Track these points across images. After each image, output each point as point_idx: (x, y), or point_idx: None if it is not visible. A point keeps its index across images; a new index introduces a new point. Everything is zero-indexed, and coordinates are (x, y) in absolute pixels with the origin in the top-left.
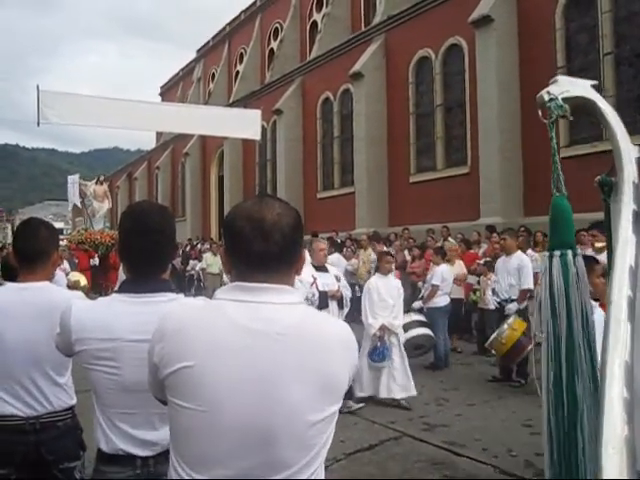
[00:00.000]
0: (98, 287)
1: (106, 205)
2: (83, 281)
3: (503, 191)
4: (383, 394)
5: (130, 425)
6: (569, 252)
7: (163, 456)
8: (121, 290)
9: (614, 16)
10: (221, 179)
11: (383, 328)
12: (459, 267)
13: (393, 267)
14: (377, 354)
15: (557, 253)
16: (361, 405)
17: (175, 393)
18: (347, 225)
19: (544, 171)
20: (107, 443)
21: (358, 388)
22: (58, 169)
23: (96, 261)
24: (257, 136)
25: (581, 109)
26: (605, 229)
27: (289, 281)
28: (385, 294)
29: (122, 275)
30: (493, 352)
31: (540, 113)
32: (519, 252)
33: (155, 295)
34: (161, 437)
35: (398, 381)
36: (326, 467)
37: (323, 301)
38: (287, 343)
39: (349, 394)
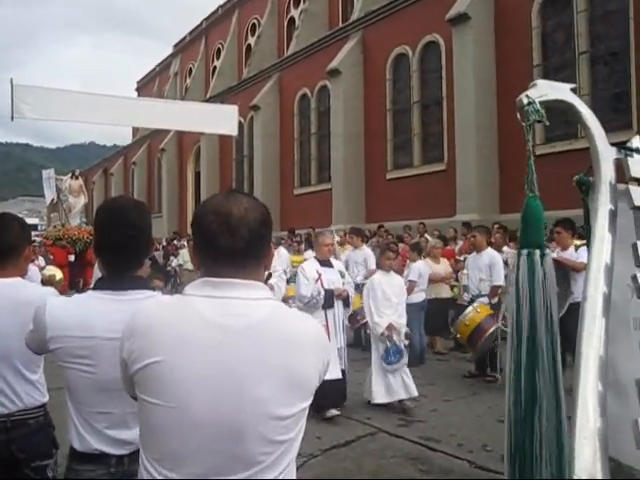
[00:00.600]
0: (75, 284)
1: (82, 200)
2: (59, 275)
3: (479, 188)
4: (414, 392)
5: (105, 424)
6: (537, 252)
7: (137, 454)
8: (97, 287)
9: (590, 15)
10: (198, 175)
11: (390, 327)
12: (445, 265)
13: (394, 264)
14: (392, 355)
15: (525, 252)
16: (337, 413)
17: (144, 389)
18: (324, 222)
19: (521, 168)
20: (81, 442)
21: (384, 394)
22: (33, 164)
23: (72, 257)
24: (234, 132)
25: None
26: (585, 227)
27: (258, 277)
28: (390, 292)
29: (97, 271)
30: (458, 336)
31: (519, 116)
32: (489, 249)
33: (131, 292)
34: (135, 436)
35: (405, 381)
36: (302, 463)
37: (329, 300)
38: (255, 339)
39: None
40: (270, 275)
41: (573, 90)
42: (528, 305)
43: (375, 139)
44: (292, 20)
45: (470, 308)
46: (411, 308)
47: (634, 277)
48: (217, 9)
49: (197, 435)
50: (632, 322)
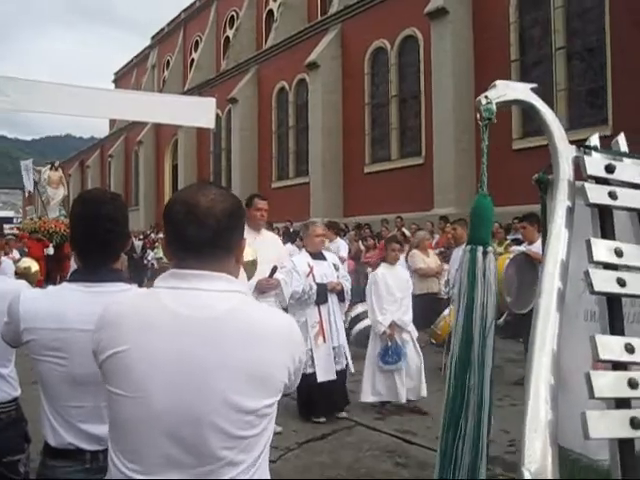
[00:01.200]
0: (52, 277)
1: (61, 192)
2: (34, 267)
3: (457, 182)
4: (403, 398)
5: (79, 418)
6: (479, 248)
7: None
8: (72, 279)
9: (566, 11)
10: (175, 168)
11: (393, 325)
12: (434, 258)
13: (401, 256)
14: (390, 355)
15: (468, 248)
16: (323, 420)
17: (109, 379)
18: (301, 215)
19: (498, 163)
20: (55, 437)
21: (370, 393)
22: (8, 156)
23: (50, 251)
24: (211, 125)
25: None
26: (542, 224)
27: (228, 268)
28: (393, 286)
29: (74, 264)
30: (432, 341)
31: (478, 116)
32: None
33: (107, 285)
34: None
35: (413, 382)
36: (279, 457)
37: (322, 296)
38: (217, 330)
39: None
40: (275, 269)
41: (534, 90)
42: (465, 301)
43: (353, 133)
44: (271, 13)
45: (441, 317)
46: None
47: (586, 273)
48: (195, 1)
49: (158, 425)
50: (583, 314)
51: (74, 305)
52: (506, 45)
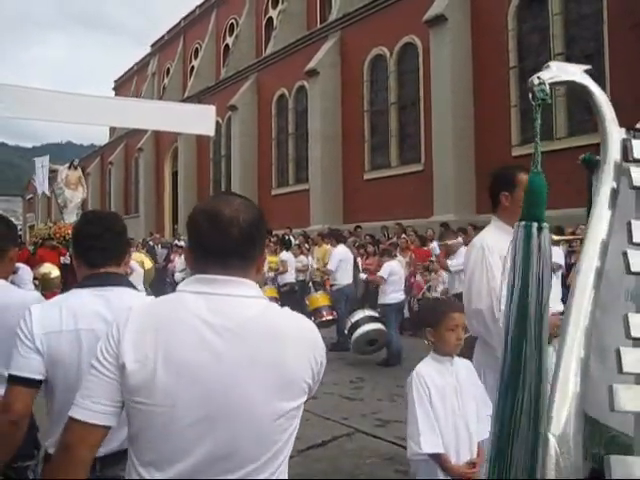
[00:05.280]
0: (68, 288)
1: (80, 194)
2: (55, 272)
3: (456, 188)
4: None
5: None
6: (535, 224)
7: (110, 459)
8: (83, 285)
9: (564, 18)
10: (175, 175)
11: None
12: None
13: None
14: None
15: (522, 223)
16: None
17: (132, 388)
18: (301, 222)
19: (496, 168)
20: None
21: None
22: (8, 164)
23: (67, 259)
24: (211, 132)
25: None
26: (587, 204)
27: (250, 278)
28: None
29: None
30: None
31: (530, 96)
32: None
33: (111, 289)
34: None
35: None
36: None
37: None
38: (245, 337)
39: None
40: None
41: (588, 72)
42: (521, 277)
43: (353, 140)
44: (270, 20)
45: None
46: (388, 308)
47: (624, 253)
48: (195, 9)
49: (189, 434)
50: (624, 294)
51: (81, 308)
52: (505, 52)
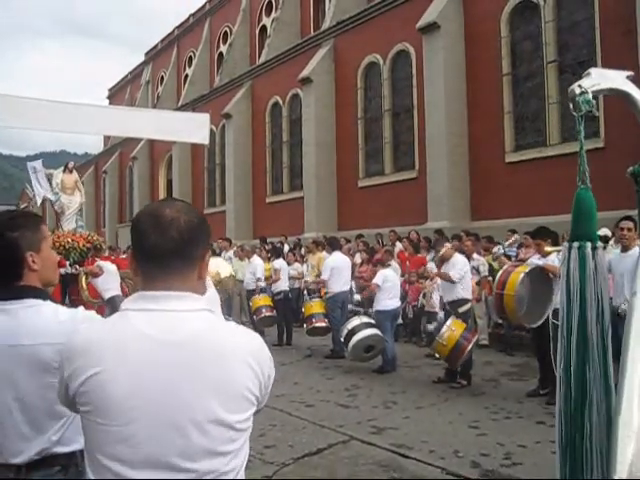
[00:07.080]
0: (71, 301)
1: (78, 198)
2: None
3: (450, 195)
4: None
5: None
6: (588, 244)
7: (35, 464)
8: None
9: (557, 25)
10: (170, 183)
11: None
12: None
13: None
14: None
15: (576, 245)
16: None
17: (85, 405)
18: (296, 230)
19: (491, 176)
20: None
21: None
22: (3, 173)
23: (68, 269)
24: (205, 141)
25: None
26: (638, 219)
27: (192, 284)
28: None
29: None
30: (437, 355)
31: (571, 106)
32: (457, 254)
33: (15, 302)
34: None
35: None
36: (274, 472)
37: None
38: (189, 351)
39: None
40: None
41: (630, 77)
42: (578, 298)
43: (347, 147)
44: (264, 28)
45: (445, 327)
46: (383, 315)
47: None
48: (188, 17)
49: (141, 450)
50: None
51: None
52: (498, 59)
